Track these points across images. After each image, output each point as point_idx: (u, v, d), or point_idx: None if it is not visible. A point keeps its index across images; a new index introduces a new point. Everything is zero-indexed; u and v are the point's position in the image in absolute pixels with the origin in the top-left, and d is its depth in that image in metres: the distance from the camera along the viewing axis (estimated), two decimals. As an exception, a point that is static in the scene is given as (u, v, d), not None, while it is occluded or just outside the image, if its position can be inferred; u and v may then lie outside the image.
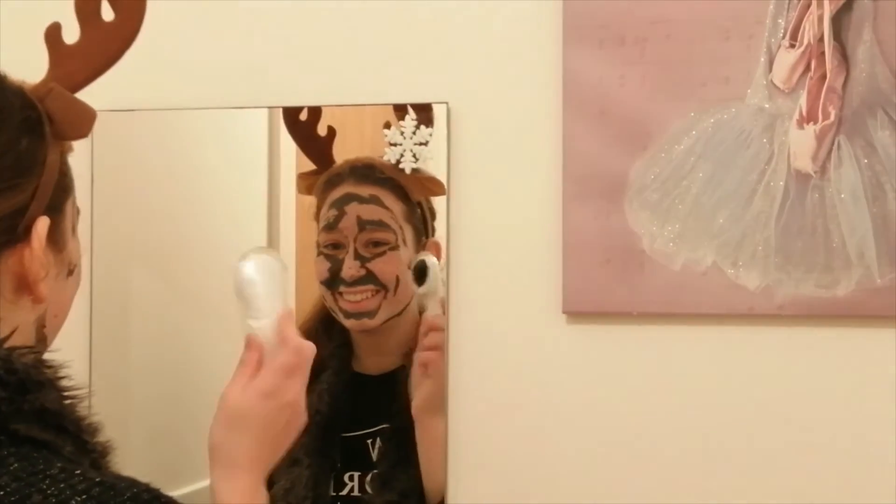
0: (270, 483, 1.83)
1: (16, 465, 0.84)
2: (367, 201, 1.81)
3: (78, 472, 0.84)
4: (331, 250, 1.82)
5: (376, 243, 1.81)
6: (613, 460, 1.74)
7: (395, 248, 1.81)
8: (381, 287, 1.80)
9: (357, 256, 1.80)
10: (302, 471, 1.81)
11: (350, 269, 1.80)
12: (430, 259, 1.77)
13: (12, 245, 0.92)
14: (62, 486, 0.82)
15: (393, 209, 1.81)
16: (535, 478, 1.76)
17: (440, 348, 1.75)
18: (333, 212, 1.82)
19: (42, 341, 0.98)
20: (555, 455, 1.76)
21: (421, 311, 1.77)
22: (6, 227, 0.92)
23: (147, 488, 0.86)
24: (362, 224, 1.81)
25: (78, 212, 1.05)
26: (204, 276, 1.96)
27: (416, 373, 1.77)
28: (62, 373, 0.93)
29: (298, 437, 1.82)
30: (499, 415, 1.78)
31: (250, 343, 1.22)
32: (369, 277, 1.80)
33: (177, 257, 1.97)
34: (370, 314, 1.81)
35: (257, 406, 1.17)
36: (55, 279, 0.98)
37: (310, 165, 1.86)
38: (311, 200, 1.86)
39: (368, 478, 1.80)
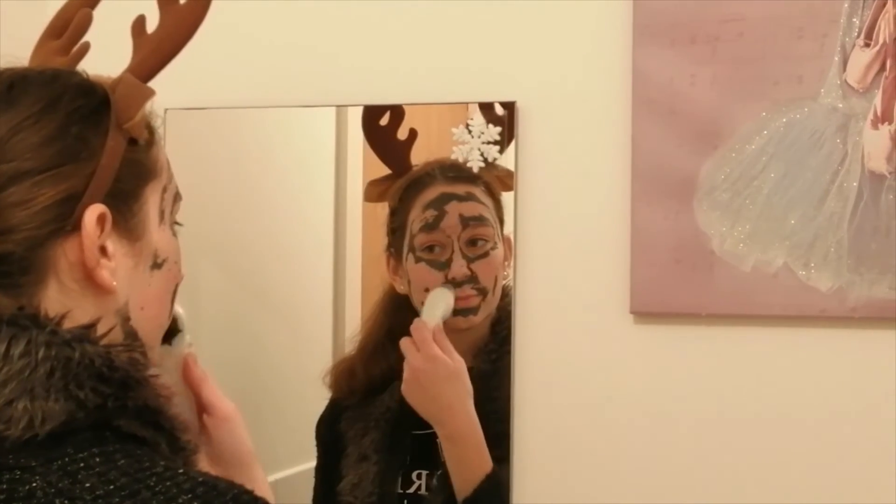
0: (339, 478, 1.85)
1: (123, 461, 0.85)
2: (466, 199, 1.81)
3: (181, 470, 0.86)
4: (428, 254, 1.81)
5: (476, 241, 1.80)
6: (679, 461, 1.73)
7: (494, 246, 1.80)
8: (482, 290, 1.80)
9: (463, 255, 1.79)
10: (370, 467, 1.81)
11: (460, 268, 1.79)
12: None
13: (68, 233, 0.92)
14: (168, 483, 0.84)
15: (487, 205, 1.81)
16: (600, 478, 1.75)
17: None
18: (432, 212, 1.81)
19: (132, 336, 0.97)
20: (620, 455, 1.75)
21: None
22: (59, 214, 0.91)
23: (245, 490, 0.87)
24: (465, 221, 1.80)
25: (176, 199, 1.04)
26: (270, 274, 1.97)
27: None
28: (153, 370, 0.94)
29: (369, 434, 1.82)
30: (564, 414, 1.77)
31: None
32: (472, 279, 1.79)
33: (244, 254, 1.98)
34: (474, 311, 1.80)
35: None
36: (133, 270, 0.97)
37: (378, 170, 1.85)
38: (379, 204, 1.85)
39: (435, 477, 1.80)
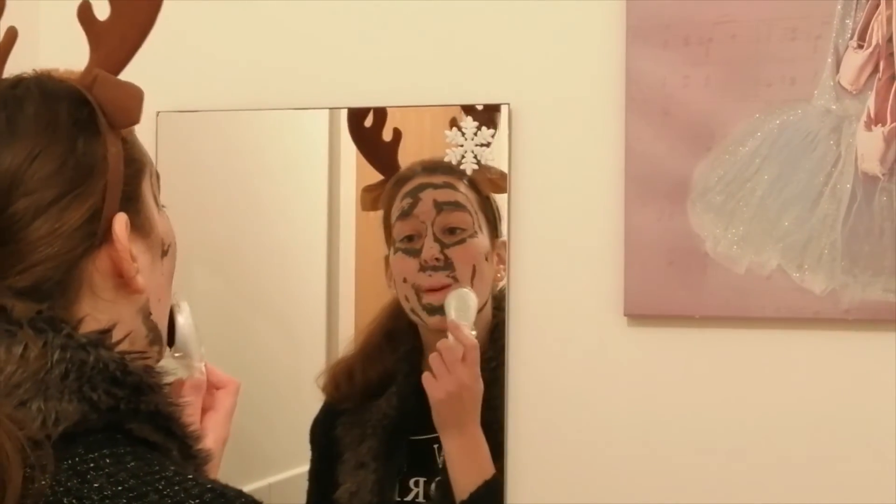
0: (336, 486, 1.84)
1: (133, 463, 0.84)
2: (442, 186, 1.80)
3: (190, 476, 0.85)
4: (407, 244, 1.80)
5: (453, 230, 1.79)
6: (674, 463, 1.72)
7: (473, 234, 1.79)
8: (456, 278, 1.77)
9: (436, 240, 1.78)
10: (368, 475, 1.80)
11: (430, 249, 1.77)
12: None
13: (97, 247, 0.92)
14: (177, 488, 0.83)
15: (467, 195, 1.80)
16: (595, 480, 1.75)
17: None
18: (408, 200, 1.80)
19: (153, 329, 0.98)
20: (614, 457, 1.74)
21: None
22: (87, 233, 0.91)
23: (254, 499, 0.86)
24: (439, 206, 1.79)
25: (157, 178, 1.02)
26: (263, 277, 1.96)
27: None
28: (167, 379, 0.94)
29: (367, 441, 1.80)
30: (558, 417, 1.77)
31: (200, 385, 1.14)
32: (447, 264, 1.77)
33: (237, 258, 1.98)
34: None
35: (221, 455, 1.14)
36: (151, 265, 0.97)
37: (372, 172, 1.84)
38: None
39: (433, 485, 1.79)
